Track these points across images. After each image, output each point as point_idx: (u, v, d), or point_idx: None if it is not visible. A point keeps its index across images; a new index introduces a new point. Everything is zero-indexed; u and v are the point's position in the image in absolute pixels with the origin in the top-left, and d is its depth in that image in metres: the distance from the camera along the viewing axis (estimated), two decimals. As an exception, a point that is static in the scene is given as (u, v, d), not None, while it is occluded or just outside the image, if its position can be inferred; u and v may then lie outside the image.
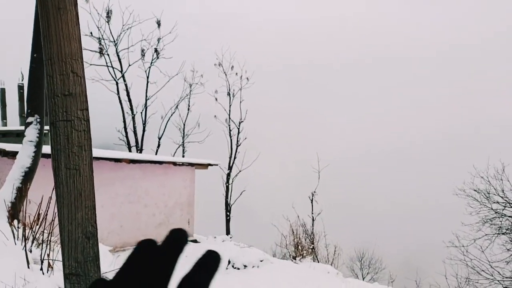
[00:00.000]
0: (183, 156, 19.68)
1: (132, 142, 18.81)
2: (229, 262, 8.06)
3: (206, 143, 19.59)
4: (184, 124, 20.58)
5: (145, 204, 10.09)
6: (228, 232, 18.91)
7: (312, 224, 15.11)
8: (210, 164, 12.38)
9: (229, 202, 19.25)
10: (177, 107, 20.47)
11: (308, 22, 34.90)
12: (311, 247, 11.32)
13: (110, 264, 5.61)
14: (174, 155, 19.59)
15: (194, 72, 20.63)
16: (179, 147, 20.28)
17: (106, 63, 17.61)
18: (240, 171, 19.49)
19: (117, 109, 18.08)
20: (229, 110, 20.19)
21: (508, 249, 13.94)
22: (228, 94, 20.36)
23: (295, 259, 10.22)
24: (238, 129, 20.09)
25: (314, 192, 17.18)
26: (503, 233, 14.16)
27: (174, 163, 10.99)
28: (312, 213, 16.09)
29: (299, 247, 10.87)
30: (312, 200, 16.82)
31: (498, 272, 14.03)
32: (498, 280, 14.08)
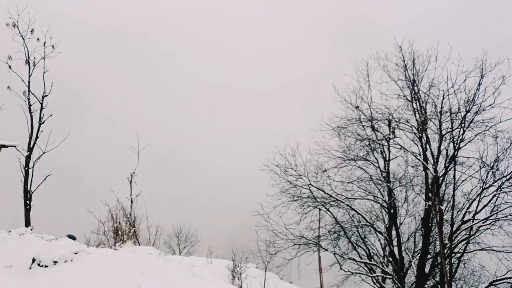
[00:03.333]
0: (-39, 136, 15.56)
1: None
2: (33, 260, 6.97)
3: (-3, 120, 15.99)
4: (-39, 95, 16.20)
5: None
6: (28, 224, 16.27)
7: (131, 207, 14.61)
8: (4, 146, 10.29)
9: (29, 189, 16.45)
10: (-51, 72, 15.90)
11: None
12: (132, 230, 11.00)
13: None
14: None
15: (-24, 30, 16.36)
16: (-47, 124, 15.89)
17: None
18: (44, 152, 16.82)
19: None
20: (29, 82, 16.93)
21: (298, 213, 17.13)
22: (27, 62, 17.01)
23: (115, 245, 9.74)
24: (41, 104, 17.15)
25: (133, 173, 16.57)
26: (295, 200, 17.25)
27: (-50, 146, 8.62)
28: (131, 195, 15.53)
29: (119, 232, 10.39)
30: (131, 182, 16.20)
31: (291, 233, 17.11)
32: (290, 239, 17.18)
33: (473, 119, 15.29)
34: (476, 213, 15.46)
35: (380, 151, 17.00)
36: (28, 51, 16.98)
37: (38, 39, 17.11)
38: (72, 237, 10.65)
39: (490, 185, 15.37)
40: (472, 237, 15.75)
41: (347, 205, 16.94)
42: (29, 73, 17.03)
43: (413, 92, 15.99)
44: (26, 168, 16.52)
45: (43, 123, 17.11)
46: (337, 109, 17.12)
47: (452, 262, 15.84)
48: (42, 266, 6.86)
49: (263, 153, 17.72)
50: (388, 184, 16.65)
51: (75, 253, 7.56)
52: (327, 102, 17.39)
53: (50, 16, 17.67)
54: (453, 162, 15.56)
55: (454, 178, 15.79)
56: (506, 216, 15.10)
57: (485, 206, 15.41)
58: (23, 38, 16.89)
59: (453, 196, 15.85)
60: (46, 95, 17.25)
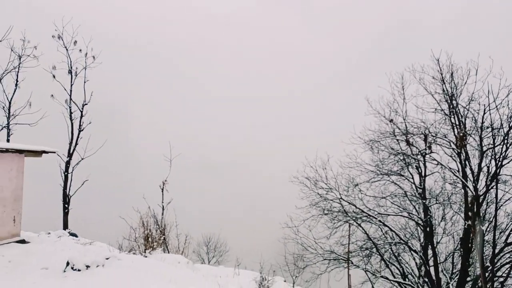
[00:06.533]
0: (8, 141, 16.53)
1: None
2: (67, 263, 7.20)
3: (40, 127, 16.91)
4: (10, 102, 17.27)
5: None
6: (65, 227, 16.93)
7: (162, 214, 14.87)
8: (44, 152, 10.77)
9: (68, 193, 17.17)
10: (0, 80, 17.03)
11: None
12: (162, 238, 11.14)
13: None
14: (-5, 139, 16.29)
15: (25, 42, 17.47)
16: (1, 129, 16.94)
17: None
18: (82, 158, 17.56)
19: None
20: (71, 90, 17.85)
21: (328, 227, 16.72)
22: (70, 72, 17.95)
23: (145, 252, 9.89)
24: (81, 112, 17.98)
25: (165, 181, 16.90)
26: (325, 214, 16.85)
27: (-4, 151, 9.15)
28: (163, 203, 15.82)
29: (150, 239, 10.56)
30: (162, 189, 16.53)
31: (321, 247, 16.71)
32: (320, 254, 16.77)
33: (517, 135, 14.41)
34: (521, 235, 14.47)
35: (416, 166, 16.34)
36: (71, 62, 17.95)
37: (80, 50, 18.05)
38: (74, 235, 11.17)
39: (537, 206, 14.36)
40: (517, 261, 14.71)
41: (380, 221, 16.35)
42: (71, 82, 17.97)
43: (451, 106, 15.31)
44: (65, 173, 17.31)
45: (82, 130, 17.93)
46: (370, 122, 16.71)
47: (495, 286, 14.83)
48: (75, 270, 7.07)
49: (293, 165, 17.51)
50: (424, 201, 15.93)
51: (107, 259, 7.75)
52: (360, 115, 17.01)
53: (91, 29, 18.54)
54: (495, 180, 14.68)
55: (496, 197, 14.86)
56: (554, 240, 14.03)
57: (531, 228, 14.40)
58: (66, 49, 17.88)
59: (495, 216, 14.90)
60: (86, 104, 18.10)
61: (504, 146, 14.52)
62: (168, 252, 11.24)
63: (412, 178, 16.39)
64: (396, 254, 16.84)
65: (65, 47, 17.77)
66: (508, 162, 14.64)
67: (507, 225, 15.15)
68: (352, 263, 16.02)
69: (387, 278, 16.32)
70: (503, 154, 14.57)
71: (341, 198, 16.43)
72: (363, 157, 16.69)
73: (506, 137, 14.41)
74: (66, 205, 17.02)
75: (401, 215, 16.82)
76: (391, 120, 16.24)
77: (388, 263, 16.51)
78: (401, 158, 16.34)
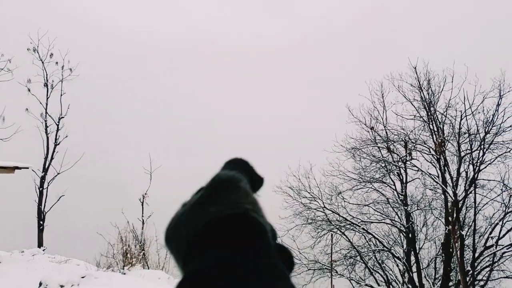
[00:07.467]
0: (-21, 157, 15.86)
1: None
2: (40, 284, 6.84)
3: (14, 141, 16.30)
4: (-19, 117, 16.62)
5: None
6: (40, 244, 16.26)
7: (142, 228, 14.47)
8: (17, 167, 10.34)
9: (43, 209, 16.54)
10: (-29, 94, 16.40)
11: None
12: (141, 253, 10.79)
13: None
14: (-35, 155, 15.59)
15: (-2, 55, 16.96)
16: (-27, 145, 16.25)
17: None
18: (58, 173, 17.00)
19: None
20: (46, 104, 17.36)
21: (312, 237, 16.63)
22: (45, 85, 17.48)
23: (124, 269, 9.53)
24: (57, 125, 17.48)
25: (145, 194, 16.51)
26: (309, 223, 16.79)
27: (-36, 167, 8.72)
28: (143, 216, 15.42)
29: (128, 255, 10.20)
30: (142, 203, 16.12)
31: (305, 257, 16.58)
32: (304, 264, 16.63)
33: (492, 140, 14.82)
34: (499, 238, 14.76)
35: (397, 173, 16.54)
36: (46, 75, 17.49)
37: (56, 62, 17.63)
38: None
39: (514, 209, 14.71)
40: (496, 264, 14.97)
41: (363, 228, 16.39)
42: (47, 95, 17.47)
43: (430, 113, 15.65)
44: (40, 189, 16.68)
45: (58, 144, 17.38)
46: (351, 130, 16.84)
47: (476, 290, 15.03)
48: (48, 290, 6.72)
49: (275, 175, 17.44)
50: (406, 208, 16.09)
51: (82, 277, 7.41)
52: (341, 123, 17.14)
53: (69, 41, 18.18)
54: (473, 185, 15.00)
55: (474, 201, 15.19)
56: (532, 242, 14.37)
57: (508, 231, 14.71)
58: (42, 62, 17.42)
59: (474, 220, 15.20)
60: (63, 117, 17.60)
61: (481, 151, 14.91)
62: (148, 268, 10.87)
63: (394, 185, 16.57)
64: (380, 261, 16.87)
65: (41, 60, 17.33)
66: (485, 167, 15.02)
67: (485, 229, 15.46)
68: (336, 272, 15.96)
69: (371, 286, 16.30)
70: (480, 159, 14.94)
71: (324, 206, 16.41)
72: (346, 165, 16.80)
73: (482, 143, 14.79)
74: (41, 222, 16.37)
75: (384, 222, 16.93)
76: (372, 128, 16.44)
77: (372, 270, 16.51)
78: (383, 165, 16.51)
